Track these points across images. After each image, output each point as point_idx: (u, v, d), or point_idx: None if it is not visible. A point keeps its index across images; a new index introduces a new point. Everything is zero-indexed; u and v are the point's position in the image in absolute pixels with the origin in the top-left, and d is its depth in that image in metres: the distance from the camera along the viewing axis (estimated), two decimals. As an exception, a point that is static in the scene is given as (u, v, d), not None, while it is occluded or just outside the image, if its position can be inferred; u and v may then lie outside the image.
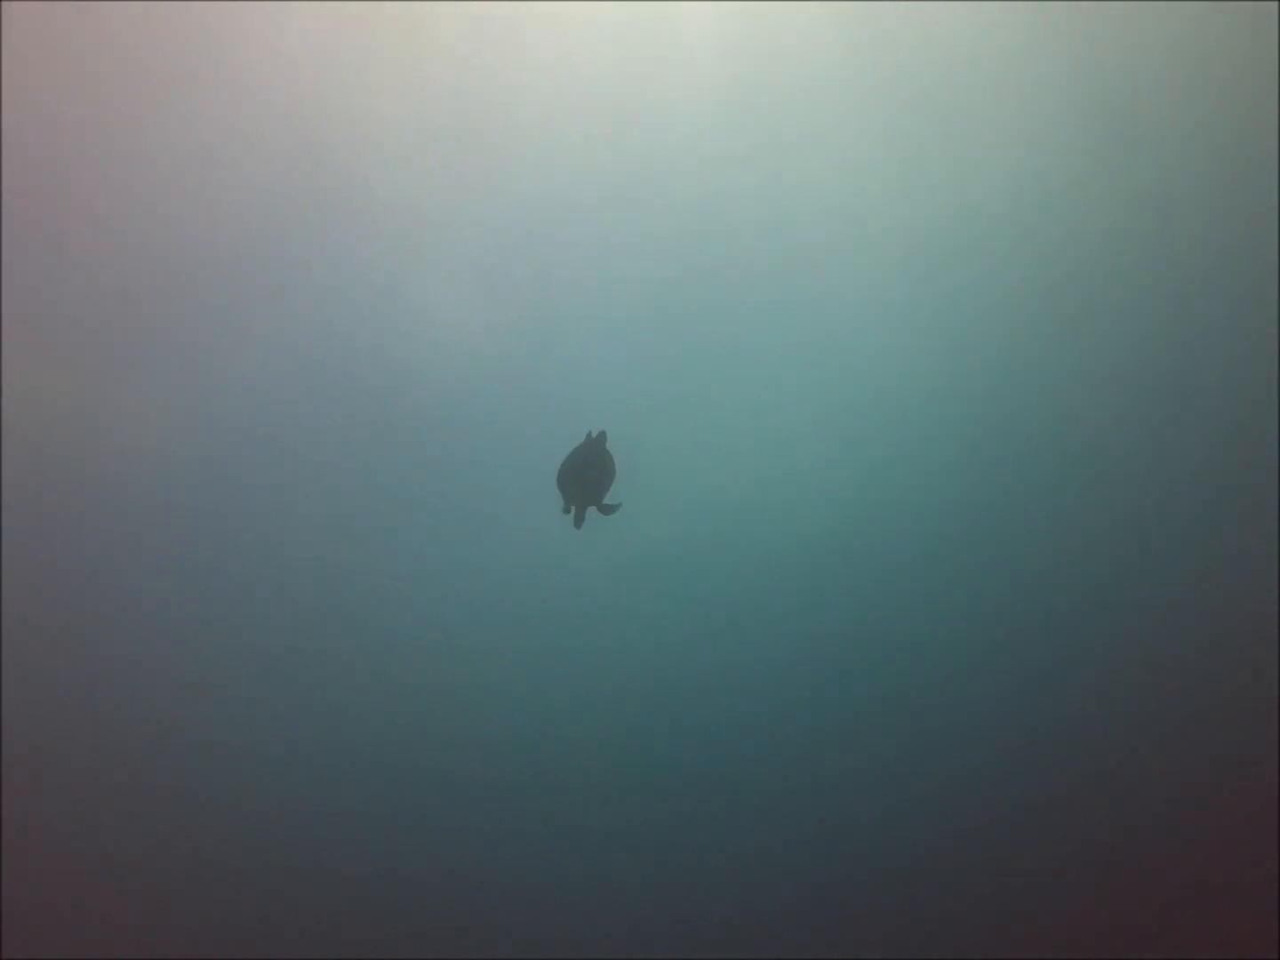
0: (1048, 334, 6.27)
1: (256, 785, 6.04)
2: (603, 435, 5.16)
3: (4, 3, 5.30)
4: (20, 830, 5.79)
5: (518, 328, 6.00)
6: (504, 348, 5.98)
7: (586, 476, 5.04)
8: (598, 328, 5.99)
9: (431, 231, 5.89)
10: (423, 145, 5.79)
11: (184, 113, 5.72)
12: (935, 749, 6.31)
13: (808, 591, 6.18)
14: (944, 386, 6.18)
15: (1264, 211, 6.13)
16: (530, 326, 6.02)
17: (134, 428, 5.86)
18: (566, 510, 5.06)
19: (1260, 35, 5.91)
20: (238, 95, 5.67)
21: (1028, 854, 6.24)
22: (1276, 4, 5.85)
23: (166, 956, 5.86)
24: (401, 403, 5.97)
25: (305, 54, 5.69)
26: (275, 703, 6.00)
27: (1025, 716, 6.27)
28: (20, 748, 5.81)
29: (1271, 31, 5.87)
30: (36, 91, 5.55)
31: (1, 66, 5.41)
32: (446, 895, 6.09)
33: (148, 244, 5.81)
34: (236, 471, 5.94)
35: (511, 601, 6.03)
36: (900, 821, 6.27)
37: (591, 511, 5.06)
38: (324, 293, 5.90)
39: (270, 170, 5.77)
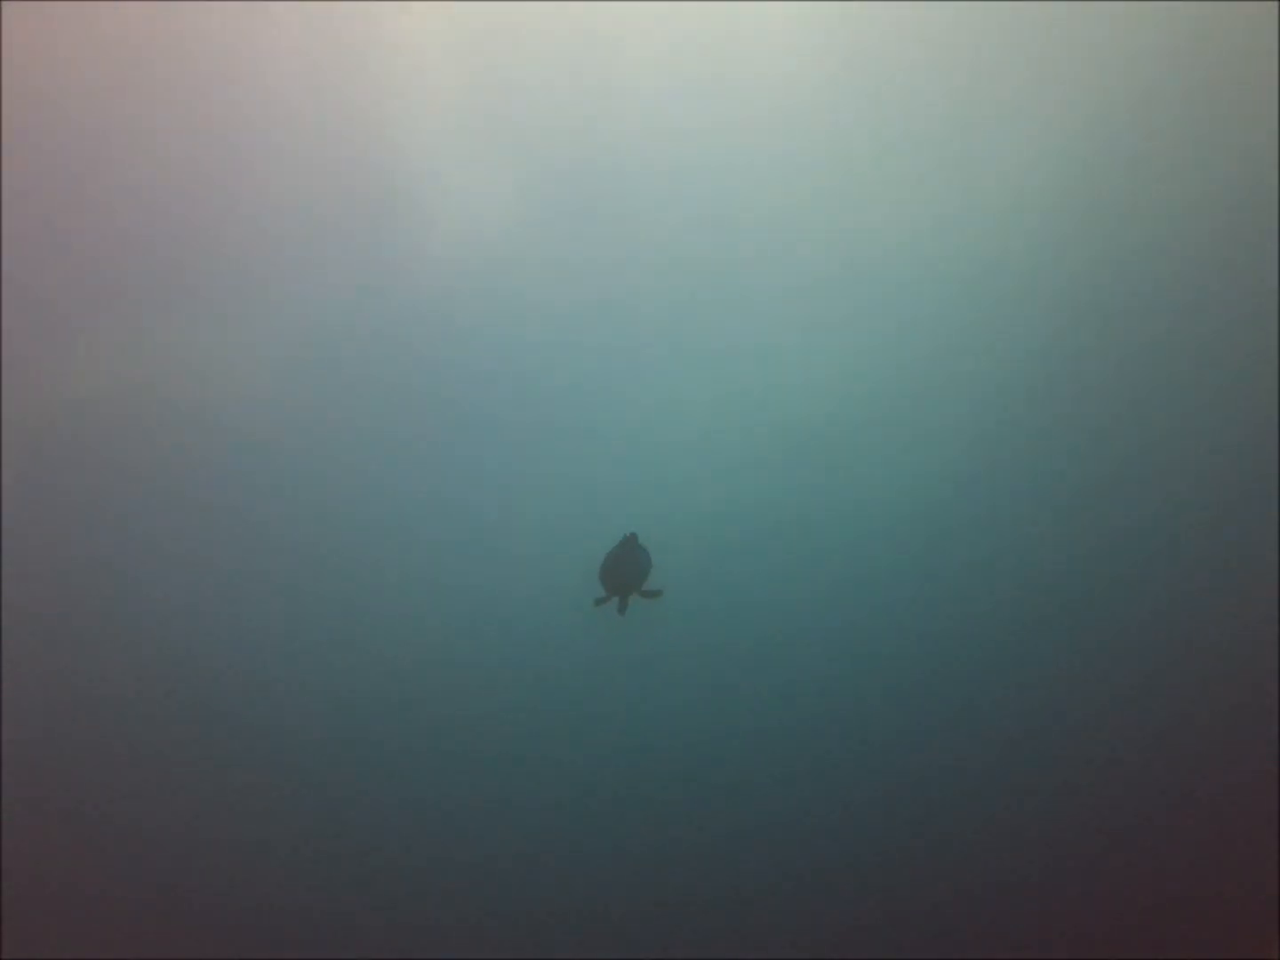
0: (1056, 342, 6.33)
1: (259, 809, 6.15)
2: (634, 536, 6.01)
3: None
4: (20, 830, 5.79)
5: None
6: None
7: (626, 567, 5.88)
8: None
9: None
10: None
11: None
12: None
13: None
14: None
15: (1264, 213, 6.14)
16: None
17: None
18: (608, 601, 5.96)
19: (1260, 35, 5.91)
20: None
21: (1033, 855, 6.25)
22: (1277, 4, 5.85)
23: (166, 956, 5.85)
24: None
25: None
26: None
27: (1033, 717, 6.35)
28: (20, 749, 5.81)
29: (1272, 31, 5.88)
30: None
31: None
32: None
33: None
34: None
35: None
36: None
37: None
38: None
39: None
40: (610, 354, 6.24)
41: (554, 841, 6.20)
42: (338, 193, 5.98)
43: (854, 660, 6.28)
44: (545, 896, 6.13)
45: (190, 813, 5.99)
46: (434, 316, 6.16)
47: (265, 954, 5.92)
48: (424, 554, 6.19)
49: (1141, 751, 6.25)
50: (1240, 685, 6.21)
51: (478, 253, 6.17)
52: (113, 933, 5.84)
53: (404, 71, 5.88)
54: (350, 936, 6.03)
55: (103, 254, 5.86)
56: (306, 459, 6.12)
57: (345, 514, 6.15)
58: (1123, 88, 6.10)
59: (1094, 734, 6.28)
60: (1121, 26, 5.98)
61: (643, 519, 6.13)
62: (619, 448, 6.29)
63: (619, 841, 6.19)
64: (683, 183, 6.23)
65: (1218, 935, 5.96)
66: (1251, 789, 6.10)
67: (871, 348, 6.32)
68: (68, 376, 5.81)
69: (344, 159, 5.97)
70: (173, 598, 5.96)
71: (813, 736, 6.26)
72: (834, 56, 6.02)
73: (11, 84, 5.54)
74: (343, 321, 6.12)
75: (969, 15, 5.99)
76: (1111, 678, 6.29)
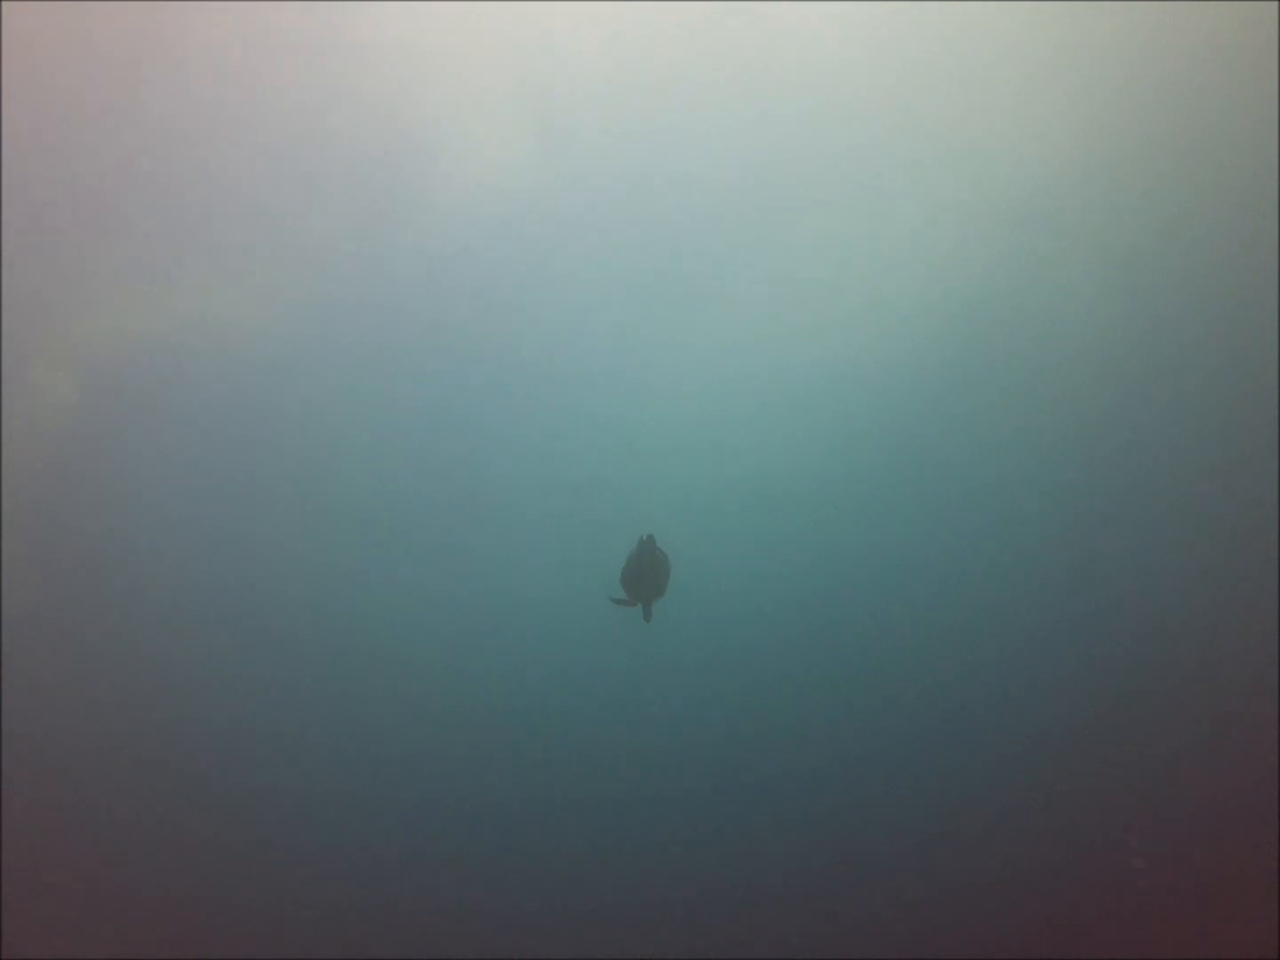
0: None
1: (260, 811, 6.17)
2: (651, 538, 5.67)
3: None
4: (20, 830, 5.78)
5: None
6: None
7: (649, 577, 5.63)
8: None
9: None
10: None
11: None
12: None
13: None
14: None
15: (1264, 213, 6.14)
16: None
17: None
18: (631, 604, 5.66)
19: (1260, 35, 5.92)
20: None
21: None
22: (1277, 4, 5.85)
23: (166, 956, 5.85)
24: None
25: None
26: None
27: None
28: (20, 749, 5.81)
29: (1272, 31, 5.87)
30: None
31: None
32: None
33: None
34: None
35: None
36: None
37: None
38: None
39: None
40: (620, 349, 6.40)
41: (573, 838, 6.34)
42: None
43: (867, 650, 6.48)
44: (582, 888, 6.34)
45: (193, 813, 6.02)
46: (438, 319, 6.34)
47: (265, 954, 5.95)
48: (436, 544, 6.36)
49: (1143, 753, 6.26)
50: (1242, 685, 6.22)
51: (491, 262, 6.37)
52: (113, 933, 5.86)
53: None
54: (375, 935, 6.14)
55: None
56: (302, 460, 6.26)
57: (345, 514, 6.27)
58: (1122, 88, 6.12)
59: (1098, 735, 6.31)
60: (1122, 26, 6.00)
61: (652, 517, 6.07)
62: (630, 442, 6.42)
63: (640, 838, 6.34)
64: (714, 193, 6.39)
65: (1218, 935, 5.96)
66: (1252, 791, 6.11)
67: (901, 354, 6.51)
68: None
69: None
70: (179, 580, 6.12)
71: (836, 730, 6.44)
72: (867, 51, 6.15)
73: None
74: (351, 326, 6.29)
75: (972, 17, 6.02)
76: (1119, 678, 6.32)
